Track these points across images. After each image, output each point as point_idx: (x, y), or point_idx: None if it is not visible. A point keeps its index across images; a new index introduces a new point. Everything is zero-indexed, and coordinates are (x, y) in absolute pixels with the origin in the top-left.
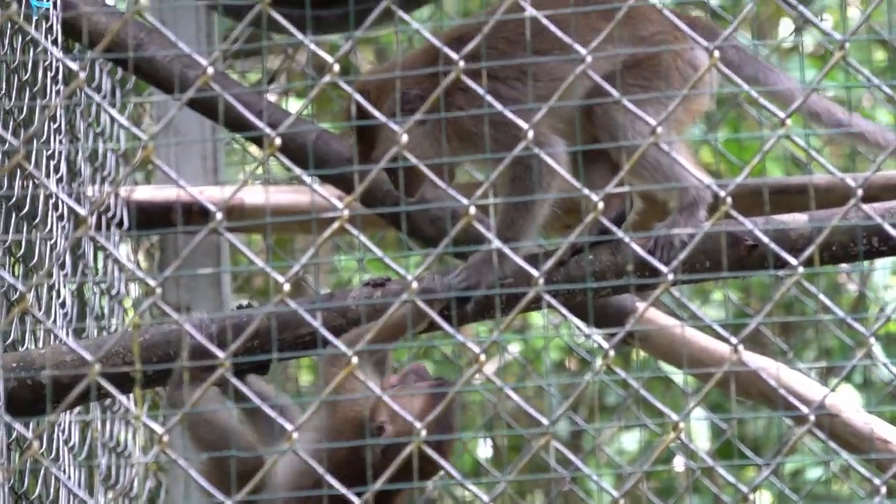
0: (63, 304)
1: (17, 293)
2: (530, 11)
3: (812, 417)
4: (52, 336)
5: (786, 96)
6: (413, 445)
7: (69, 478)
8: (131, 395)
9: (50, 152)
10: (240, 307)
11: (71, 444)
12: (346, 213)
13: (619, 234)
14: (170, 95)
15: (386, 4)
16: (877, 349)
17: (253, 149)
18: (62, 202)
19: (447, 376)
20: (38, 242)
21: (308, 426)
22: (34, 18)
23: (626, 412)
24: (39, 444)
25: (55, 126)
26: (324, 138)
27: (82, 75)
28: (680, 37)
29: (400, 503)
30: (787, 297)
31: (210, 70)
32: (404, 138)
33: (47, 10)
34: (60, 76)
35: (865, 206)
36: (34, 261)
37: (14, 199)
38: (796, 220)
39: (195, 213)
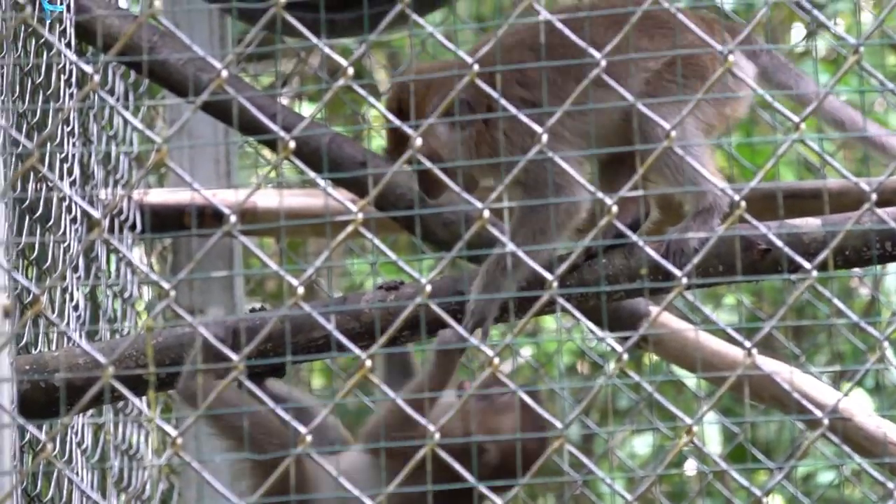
0: (76, 307)
1: (31, 296)
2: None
3: (826, 421)
4: (65, 339)
5: (812, 102)
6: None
7: (82, 480)
8: (144, 398)
9: (63, 155)
10: (252, 310)
11: (84, 446)
12: (360, 216)
13: (633, 237)
14: (183, 99)
15: (401, 8)
16: (889, 353)
17: (266, 152)
18: (75, 205)
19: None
20: (51, 245)
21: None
22: (47, 21)
23: (638, 416)
24: (53, 447)
25: (69, 129)
26: (337, 141)
27: (96, 78)
28: (718, 41)
29: None
30: (800, 301)
31: (224, 73)
32: (418, 142)
33: (61, 13)
34: (74, 79)
35: (879, 211)
36: (47, 263)
37: (28, 201)
38: (809, 224)
39: (208, 217)
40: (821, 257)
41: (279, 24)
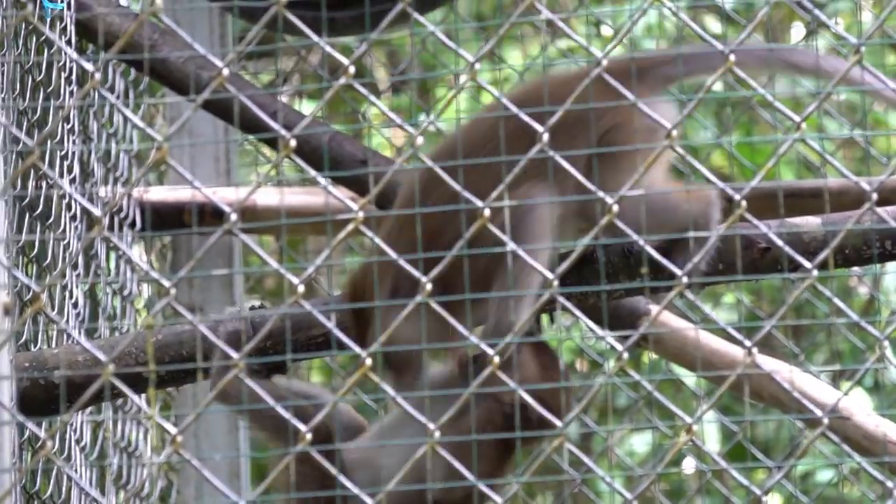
0: (76, 305)
1: (31, 293)
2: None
3: (826, 421)
4: (64, 336)
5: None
6: None
7: (81, 477)
8: (143, 396)
9: (63, 153)
10: (252, 308)
11: (83, 444)
12: (360, 214)
13: (634, 236)
14: (183, 97)
15: (402, 7)
16: (889, 352)
17: (265, 150)
18: (75, 203)
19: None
20: (51, 243)
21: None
22: (48, 19)
23: (637, 414)
24: (52, 444)
25: (69, 127)
26: (337, 140)
27: (97, 76)
28: (629, 116)
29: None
30: (799, 299)
31: (225, 71)
32: (419, 140)
33: (61, 11)
34: (74, 77)
35: (879, 210)
36: (47, 261)
37: (28, 199)
38: (809, 223)
39: (208, 214)
40: (821, 256)
41: (280, 23)
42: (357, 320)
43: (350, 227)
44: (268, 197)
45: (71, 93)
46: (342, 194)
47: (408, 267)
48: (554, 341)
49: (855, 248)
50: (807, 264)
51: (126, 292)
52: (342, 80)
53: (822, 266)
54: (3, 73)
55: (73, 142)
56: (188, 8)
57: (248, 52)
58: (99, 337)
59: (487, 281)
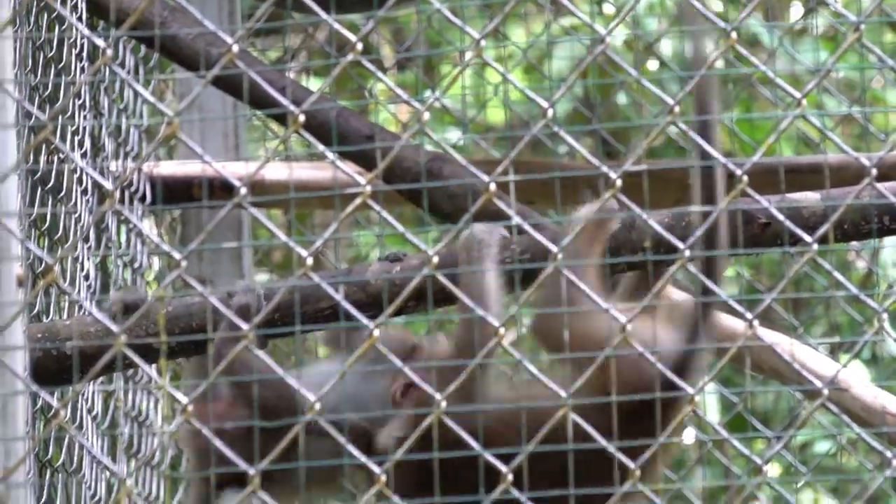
0: (87, 277)
1: (43, 265)
2: None
3: (826, 392)
4: (76, 308)
5: None
6: None
7: (92, 446)
8: (154, 366)
9: (74, 128)
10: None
11: (94, 413)
12: (368, 188)
13: (636, 210)
14: (193, 73)
15: None
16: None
17: (273, 125)
18: (87, 177)
19: None
20: (62, 216)
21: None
22: None
23: None
24: (65, 413)
25: (80, 102)
26: (344, 116)
27: (109, 52)
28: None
29: None
30: (798, 273)
31: (235, 48)
32: (426, 115)
33: None
34: (85, 53)
35: (879, 185)
36: (59, 234)
37: (39, 173)
38: (808, 198)
39: (217, 189)
40: (822, 231)
41: (290, 0)
42: None
43: (358, 200)
44: (276, 171)
45: (82, 69)
46: (349, 169)
47: (417, 242)
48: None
49: (854, 223)
50: (807, 238)
51: (136, 265)
52: (350, 57)
53: (822, 240)
54: (15, 50)
55: (84, 117)
56: None
57: (256, 29)
58: (108, 307)
59: None
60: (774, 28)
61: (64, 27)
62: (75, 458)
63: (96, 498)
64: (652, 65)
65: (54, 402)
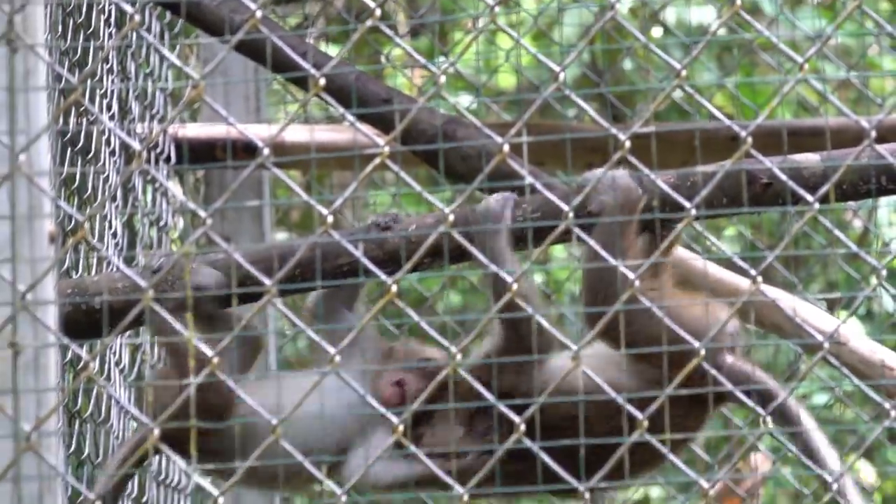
0: (115, 235)
1: (73, 222)
2: None
3: (827, 346)
4: (104, 264)
5: None
6: None
7: (120, 397)
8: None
9: (103, 91)
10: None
11: (121, 366)
12: (387, 149)
13: (644, 170)
14: (217, 38)
15: None
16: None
17: (293, 89)
18: (114, 138)
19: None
20: (91, 176)
21: None
22: None
23: None
24: (94, 366)
25: (108, 66)
26: (361, 80)
27: (136, 18)
28: None
29: None
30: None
31: (258, 14)
32: (442, 79)
33: None
34: (113, 19)
35: (878, 147)
36: (87, 193)
37: (69, 135)
38: (808, 159)
39: (239, 150)
40: (823, 190)
41: None
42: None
43: (377, 160)
44: (295, 134)
45: (110, 34)
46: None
47: (435, 201)
48: (566, 271)
49: (852, 184)
50: (809, 198)
51: (162, 223)
52: (369, 23)
53: (822, 200)
54: (46, 15)
55: (112, 81)
56: None
57: None
58: (136, 265)
59: None
60: None
61: None
62: (103, 409)
63: None
64: (656, 32)
65: (84, 355)
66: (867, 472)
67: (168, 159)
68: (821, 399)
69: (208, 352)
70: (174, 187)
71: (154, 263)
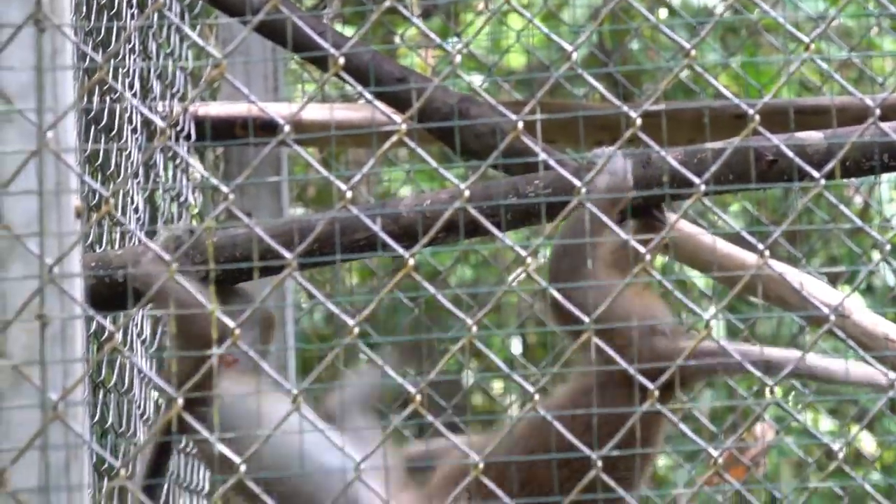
0: (137, 210)
1: (97, 197)
2: None
3: (833, 318)
4: (126, 239)
5: None
6: None
7: (142, 369)
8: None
9: (125, 70)
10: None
11: (143, 337)
12: (404, 126)
13: (654, 146)
14: (237, 18)
15: None
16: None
17: (310, 69)
18: (137, 116)
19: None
20: (114, 153)
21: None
22: None
23: None
24: (118, 337)
25: (130, 46)
26: (377, 60)
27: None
28: None
29: None
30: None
31: None
32: (457, 58)
33: None
34: (135, 0)
35: (882, 124)
36: (111, 170)
37: (93, 112)
38: (812, 137)
39: (258, 128)
40: (829, 166)
41: None
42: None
43: (394, 137)
44: (313, 112)
45: (132, 15)
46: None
47: (450, 177)
48: None
49: (855, 161)
50: (815, 174)
51: (182, 199)
52: (387, 3)
53: (827, 176)
54: None
55: (134, 60)
56: None
57: None
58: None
59: None
60: None
61: None
62: (126, 380)
63: (145, 416)
64: (662, 13)
65: (109, 326)
66: (867, 442)
67: (188, 137)
68: None
69: (230, 323)
70: (195, 164)
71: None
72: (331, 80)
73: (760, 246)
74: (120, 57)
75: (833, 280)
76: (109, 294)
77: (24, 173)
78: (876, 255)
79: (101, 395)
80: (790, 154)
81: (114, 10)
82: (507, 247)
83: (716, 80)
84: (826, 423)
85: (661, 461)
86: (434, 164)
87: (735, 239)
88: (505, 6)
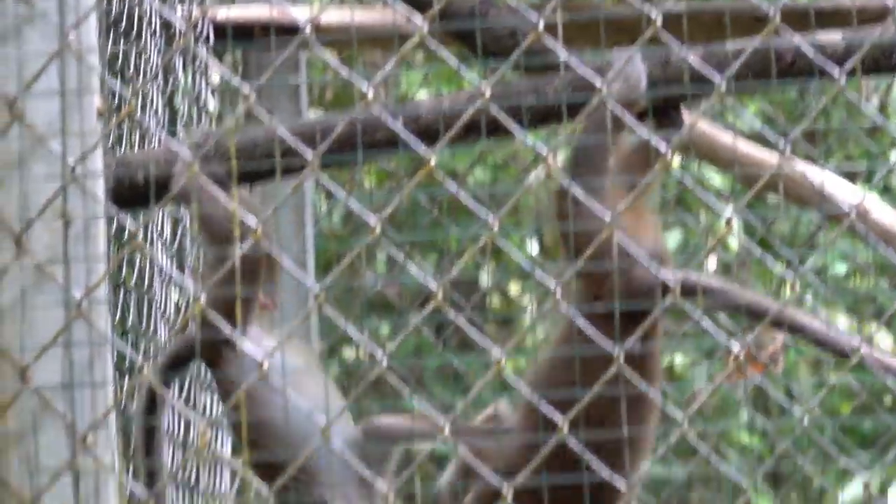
0: (156, 112)
1: (118, 98)
2: None
3: (853, 214)
4: (146, 141)
5: None
6: None
7: (162, 268)
8: None
9: None
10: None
11: (164, 237)
12: (425, 27)
13: (674, 44)
14: None
15: None
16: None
17: None
18: (156, 19)
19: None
20: (133, 56)
21: None
22: None
23: (667, 211)
24: (140, 237)
25: None
26: None
27: None
28: None
29: None
30: (813, 109)
31: None
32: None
33: None
34: None
35: None
36: (130, 72)
37: (112, 16)
38: (830, 37)
39: (278, 31)
40: (849, 64)
41: None
42: None
43: (416, 38)
44: (329, 16)
45: None
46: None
47: (466, 74)
48: None
49: (873, 59)
50: (836, 72)
51: (201, 102)
52: None
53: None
54: None
55: None
56: None
57: None
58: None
59: None
60: None
61: None
62: (146, 280)
63: (166, 315)
64: None
65: (131, 225)
66: (884, 341)
67: (207, 39)
68: (841, 269)
69: (253, 221)
70: (215, 66)
71: (196, 139)
72: None
73: (782, 143)
74: None
75: (850, 180)
76: (130, 196)
77: (46, 74)
78: (894, 154)
79: (121, 295)
80: (809, 53)
81: None
82: (527, 146)
83: None
84: (842, 322)
85: (679, 359)
86: (454, 63)
87: (754, 140)
88: None
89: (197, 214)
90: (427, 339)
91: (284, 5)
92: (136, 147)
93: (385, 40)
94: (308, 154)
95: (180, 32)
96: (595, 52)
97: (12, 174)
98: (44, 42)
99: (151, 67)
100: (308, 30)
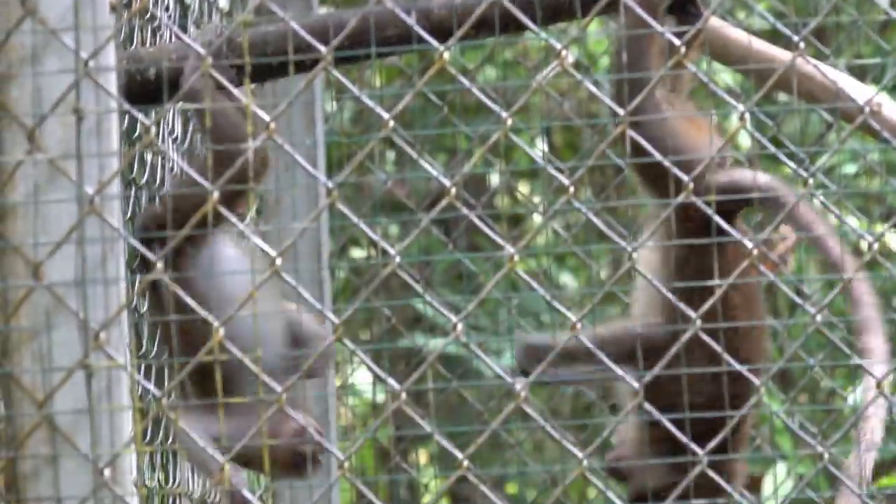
0: (167, 9)
1: None
2: None
3: (867, 111)
4: (157, 38)
5: None
6: None
7: (173, 166)
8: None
9: None
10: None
11: (175, 135)
12: None
13: None
14: None
15: None
16: None
17: None
18: None
19: (512, 77)
20: None
21: None
22: None
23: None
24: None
25: None
26: None
27: None
28: None
29: None
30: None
31: None
32: None
33: None
34: None
35: None
36: None
37: None
38: None
39: None
40: None
41: None
42: None
43: None
44: None
45: None
46: None
47: None
48: (601, 45)
49: None
50: None
51: None
52: None
53: None
54: None
55: None
56: None
57: None
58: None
59: None
60: None
61: None
62: (157, 178)
63: None
64: None
65: (144, 120)
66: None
67: None
68: (850, 169)
69: (265, 118)
70: None
71: (207, 37)
72: None
73: (795, 38)
74: None
75: (860, 78)
76: (141, 92)
77: None
78: None
79: (132, 192)
80: None
81: None
82: (541, 40)
83: None
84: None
85: None
86: None
87: (765, 36)
88: None
89: (207, 111)
90: (436, 239)
91: None
92: (148, 43)
93: None
94: (321, 49)
95: None
96: None
97: (25, 69)
98: None
99: None
100: None
